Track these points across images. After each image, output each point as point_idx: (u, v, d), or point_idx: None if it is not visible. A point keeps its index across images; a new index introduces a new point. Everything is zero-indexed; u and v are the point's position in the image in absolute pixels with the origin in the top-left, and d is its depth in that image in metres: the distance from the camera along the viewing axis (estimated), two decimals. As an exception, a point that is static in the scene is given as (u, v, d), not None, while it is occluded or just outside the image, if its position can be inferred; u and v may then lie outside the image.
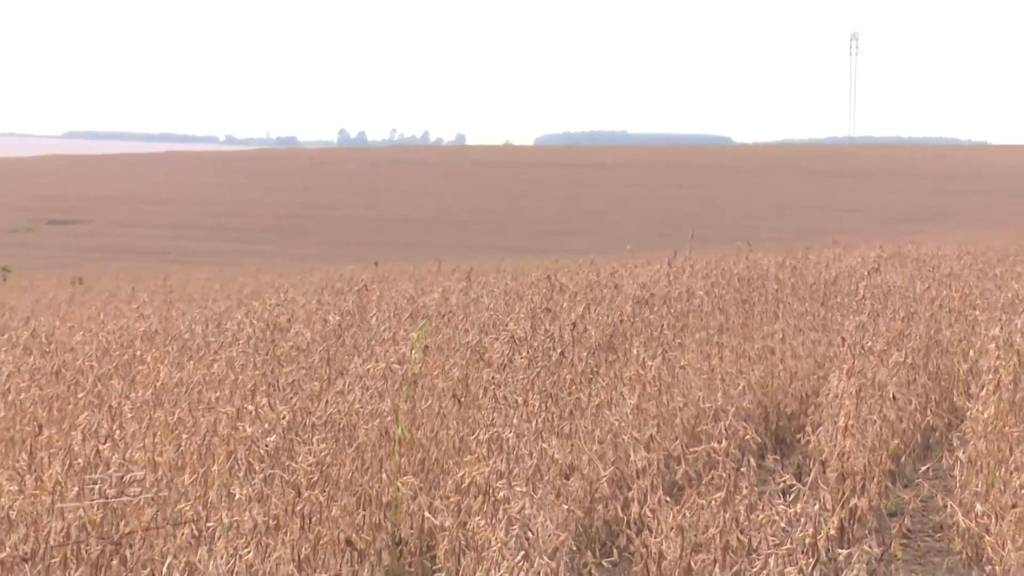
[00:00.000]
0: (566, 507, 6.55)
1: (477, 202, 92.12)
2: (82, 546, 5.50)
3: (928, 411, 10.37)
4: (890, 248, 21.14)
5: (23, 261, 40.35)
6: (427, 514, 6.51)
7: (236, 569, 4.89)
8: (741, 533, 5.43)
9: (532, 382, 7.68)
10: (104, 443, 6.12)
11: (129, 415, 7.02)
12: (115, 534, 5.59)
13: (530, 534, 4.87)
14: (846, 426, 7.74)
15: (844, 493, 7.43)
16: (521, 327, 9.59)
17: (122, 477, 5.73)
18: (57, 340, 10.41)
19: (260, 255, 53.04)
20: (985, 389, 8.01)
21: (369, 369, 7.86)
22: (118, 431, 6.46)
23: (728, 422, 6.21)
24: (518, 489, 5.45)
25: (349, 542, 6.08)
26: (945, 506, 7.12)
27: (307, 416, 6.76)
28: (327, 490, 6.05)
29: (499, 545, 4.90)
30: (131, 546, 5.66)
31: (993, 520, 6.52)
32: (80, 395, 7.62)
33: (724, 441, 6.02)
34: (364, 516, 6.42)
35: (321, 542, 5.85)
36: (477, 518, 5.84)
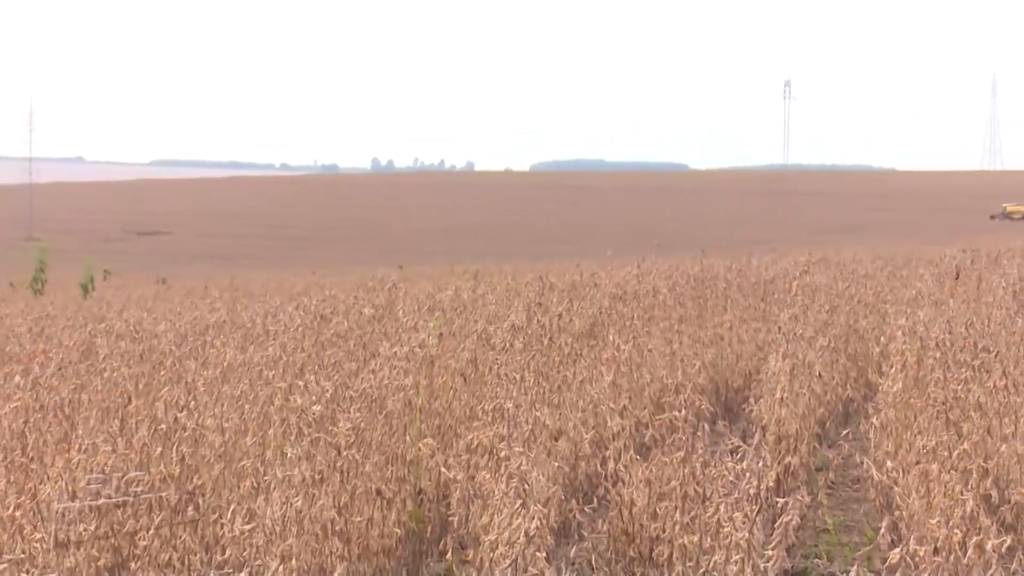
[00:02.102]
0: (555, 464, 6.54)
1: (483, 217, 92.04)
2: (163, 495, 5.49)
3: (848, 386, 10.36)
4: (817, 254, 21.07)
5: (118, 265, 40.21)
6: (443, 469, 6.49)
7: (288, 514, 4.88)
8: (697, 485, 5.41)
9: (528, 363, 7.66)
10: (181, 412, 6.10)
11: (201, 389, 7.00)
12: (190, 486, 5.57)
13: (526, 486, 4.85)
14: (782, 398, 7.73)
15: (780, 452, 7.42)
16: (519, 318, 9.58)
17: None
18: (144, 328, 10.39)
19: (308, 260, 52.91)
20: (894, 368, 8.00)
21: (396, 352, 7.85)
22: (193, 402, 6.45)
23: (686, 395, 6.20)
24: (516, 449, 5.44)
25: (379, 492, 6.06)
26: (862, 463, 7.10)
27: (346, 390, 6.74)
28: (362, 450, 6.03)
29: (501, 495, 4.88)
30: (203, 495, 5.64)
31: (901, 474, 6.51)
32: (162, 373, 7.61)
33: (683, 410, 6.01)
34: (392, 471, 6.40)
35: (357, 492, 5.83)
36: (483, 472, 5.82)
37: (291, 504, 4.96)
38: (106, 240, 73.23)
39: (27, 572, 4.48)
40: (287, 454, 5.57)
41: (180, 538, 5.37)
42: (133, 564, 5.21)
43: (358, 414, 6.17)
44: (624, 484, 5.88)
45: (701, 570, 4.90)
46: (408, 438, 6.74)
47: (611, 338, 9.06)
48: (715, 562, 4.52)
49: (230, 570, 4.35)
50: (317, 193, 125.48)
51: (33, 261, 26.14)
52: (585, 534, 6.12)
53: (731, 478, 5.00)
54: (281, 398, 6.67)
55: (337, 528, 5.46)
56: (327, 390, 6.49)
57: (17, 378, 7.19)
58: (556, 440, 6.93)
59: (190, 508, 5.51)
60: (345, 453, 5.80)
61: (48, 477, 5.46)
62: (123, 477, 4.62)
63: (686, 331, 10.89)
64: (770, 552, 4.26)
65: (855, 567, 3.89)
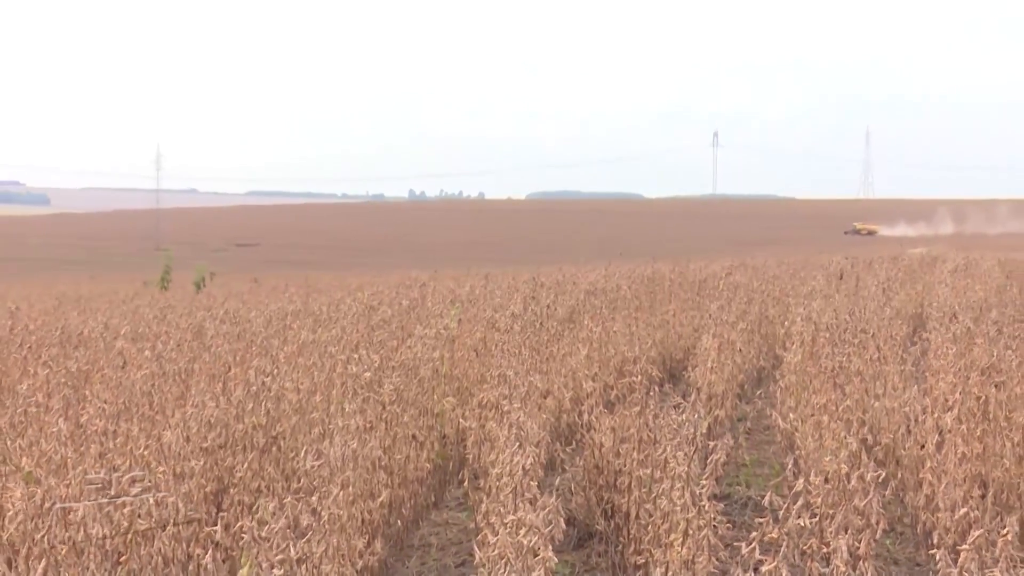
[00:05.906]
0: (544, 416, 6.50)
1: (491, 233, 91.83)
2: (253, 439, 5.45)
3: (760, 358, 10.34)
4: (738, 261, 21.04)
5: (221, 269, 40.02)
6: (461, 420, 6.46)
7: (346, 453, 4.84)
8: (649, 431, 5.38)
9: (524, 341, 7.64)
10: (267, 377, 6.06)
11: (283, 360, 6.97)
12: (272, 432, 5.53)
13: (523, 432, 4.82)
14: (712, 367, 7.70)
15: (711, 407, 7.39)
16: (517, 308, 9.55)
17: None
18: (240, 315, 10.35)
19: (362, 265, 52.75)
20: (795, 345, 7.97)
21: (426, 333, 7.81)
22: (276, 370, 6.41)
23: (641, 364, 6.17)
24: (515, 405, 5.40)
25: (414, 437, 6.03)
26: (771, 415, 7.08)
27: (389, 361, 6.71)
28: (401, 405, 6.00)
29: (504, 439, 4.84)
30: (283, 439, 5.61)
31: (800, 423, 6.48)
32: (253, 348, 7.58)
33: (639, 376, 5.98)
34: (423, 421, 6.38)
35: (397, 437, 5.81)
36: (491, 422, 5.80)
37: (349, 446, 4.92)
38: (213, 250, 73.09)
39: (153, 496, 4.44)
40: (346, 408, 5.54)
41: (266, 470, 5.34)
42: (232, 491, 5.18)
43: (398, 379, 6.15)
44: (595, 431, 5.85)
45: (652, 495, 4.87)
46: (435, 397, 6.72)
47: (586, 322, 9.03)
48: (663, 489, 4.49)
49: (303, 495, 4.31)
50: (368, 216, 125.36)
51: (160, 266, 26.25)
52: (566, 468, 6.09)
53: (674, 426, 4.97)
54: (341, 367, 6.64)
55: (383, 464, 5.43)
56: (375, 361, 6.45)
57: (146, 352, 7.16)
58: (545, 398, 6.89)
59: (274, 448, 5.46)
60: (389, 408, 5.78)
61: (169, 426, 5.43)
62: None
63: (641, 317, 10.87)
64: (703, 481, 4.23)
65: (768, 493, 3.86)
